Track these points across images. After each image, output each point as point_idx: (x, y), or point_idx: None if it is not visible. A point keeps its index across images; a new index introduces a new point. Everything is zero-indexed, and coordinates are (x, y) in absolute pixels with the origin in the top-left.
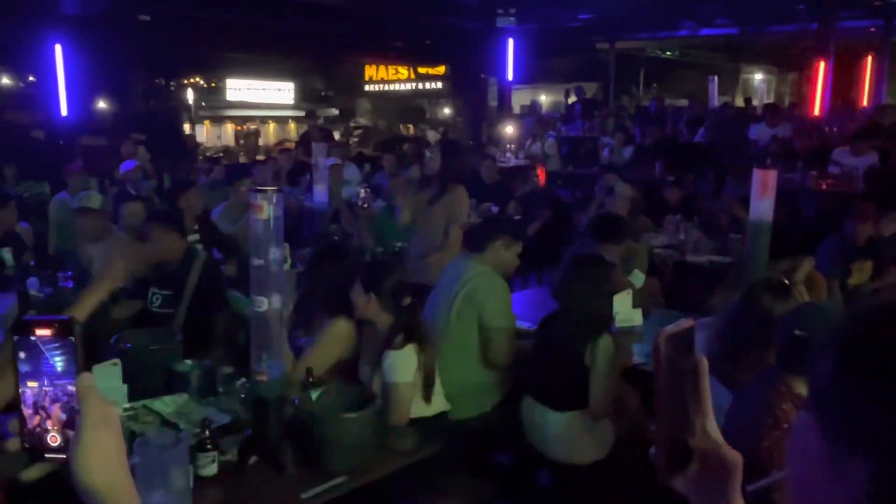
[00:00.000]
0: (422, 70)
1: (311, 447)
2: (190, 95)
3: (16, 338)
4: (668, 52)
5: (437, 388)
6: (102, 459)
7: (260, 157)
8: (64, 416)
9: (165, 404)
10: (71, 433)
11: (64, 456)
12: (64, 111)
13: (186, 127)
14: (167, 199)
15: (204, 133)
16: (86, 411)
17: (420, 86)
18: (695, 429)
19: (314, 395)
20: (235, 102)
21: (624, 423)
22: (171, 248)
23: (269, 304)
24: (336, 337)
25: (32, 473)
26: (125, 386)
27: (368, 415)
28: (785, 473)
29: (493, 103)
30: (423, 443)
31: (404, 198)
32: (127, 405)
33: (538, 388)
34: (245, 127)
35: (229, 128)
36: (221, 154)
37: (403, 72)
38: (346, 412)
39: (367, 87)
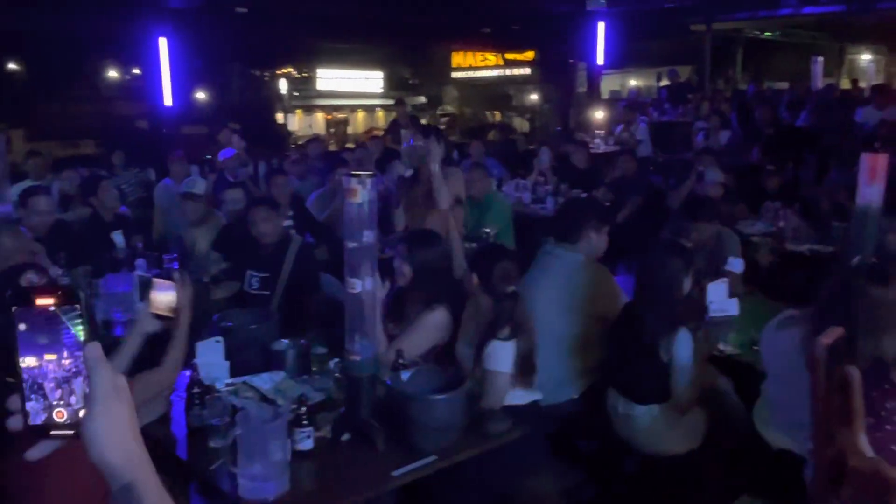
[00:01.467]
0: (509, 56)
1: (402, 427)
2: (283, 85)
3: (14, 308)
4: (767, 33)
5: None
6: (115, 431)
7: (349, 146)
8: (72, 389)
9: (264, 381)
10: (78, 407)
11: (72, 431)
12: (168, 102)
13: (279, 116)
14: (262, 186)
15: (296, 122)
16: (96, 383)
17: (507, 72)
18: (852, 447)
19: (405, 375)
20: (326, 92)
21: (716, 413)
22: (272, 230)
23: (363, 285)
24: (434, 327)
25: (35, 453)
26: (227, 363)
27: (458, 396)
28: None
29: (582, 89)
30: (512, 427)
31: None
32: (228, 380)
33: (619, 380)
34: (334, 115)
35: (320, 117)
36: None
37: (491, 58)
38: (436, 393)
39: (454, 75)
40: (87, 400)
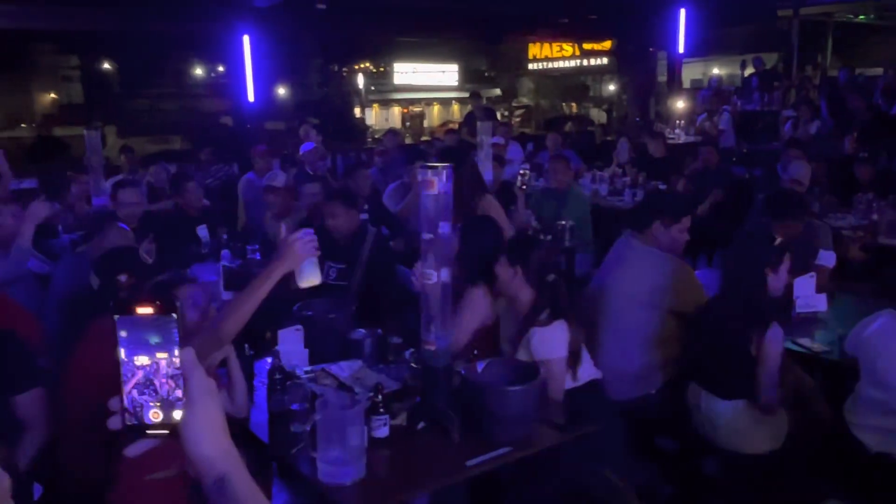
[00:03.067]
0: (587, 46)
1: (477, 417)
2: (360, 80)
3: (117, 317)
4: (860, 17)
5: (586, 358)
6: (211, 429)
7: (425, 139)
8: (165, 393)
9: (341, 369)
10: (175, 407)
11: (167, 431)
12: (251, 98)
13: (357, 111)
14: (341, 179)
15: (373, 116)
16: (192, 385)
17: (584, 62)
18: None
19: (480, 366)
20: (402, 86)
21: (801, 414)
22: (346, 223)
23: (438, 276)
24: (478, 302)
25: (135, 450)
26: (306, 350)
27: (532, 388)
28: None
29: (662, 78)
30: (586, 420)
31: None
32: (308, 368)
33: (704, 374)
34: (410, 109)
35: (396, 110)
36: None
37: (568, 48)
38: (510, 385)
39: (530, 66)
40: (186, 400)
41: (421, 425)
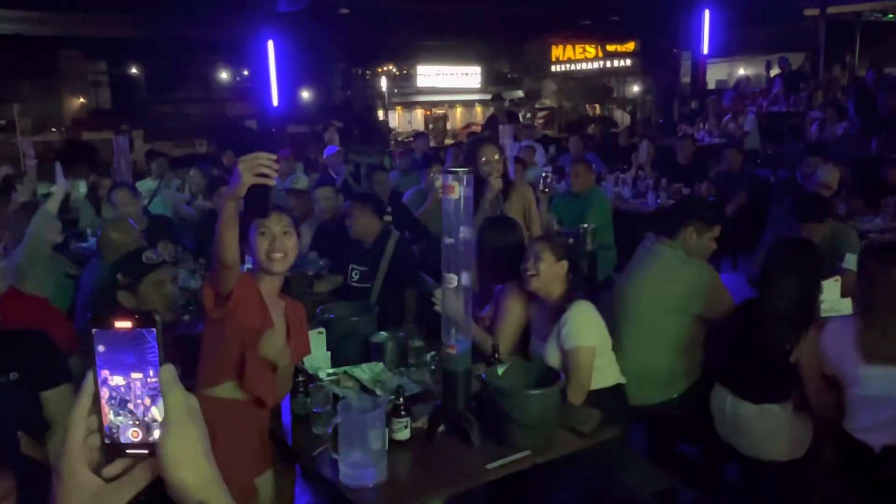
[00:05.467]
0: (610, 48)
1: (497, 420)
2: (383, 83)
3: (94, 330)
4: (889, 16)
5: (612, 360)
6: (189, 452)
7: (449, 141)
8: (145, 411)
9: (363, 371)
10: (153, 427)
11: (146, 451)
12: (275, 102)
13: (380, 113)
14: (364, 183)
15: (396, 119)
16: (170, 404)
17: (608, 64)
18: None
19: (500, 370)
20: (425, 88)
21: (822, 421)
22: (368, 226)
23: (459, 280)
24: (516, 302)
25: (112, 470)
26: (328, 353)
27: (553, 392)
28: None
29: (686, 79)
30: (607, 425)
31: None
32: (330, 370)
33: (733, 378)
34: (433, 111)
35: (419, 113)
36: (411, 139)
37: (591, 50)
38: (530, 389)
39: (553, 68)
40: (162, 421)
41: (441, 428)
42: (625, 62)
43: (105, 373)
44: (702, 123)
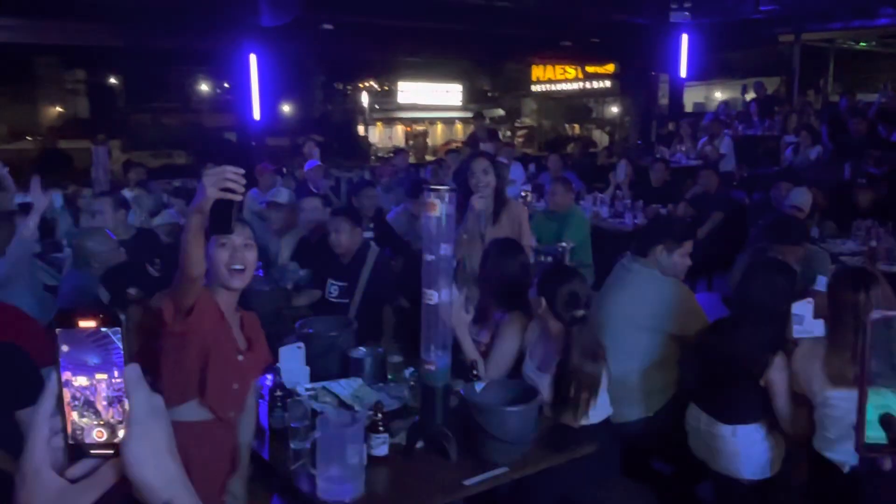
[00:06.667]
0: (590, 69)
1: (475, 437)
2: (364, 98)
3: (58, 330)
4: (861, 44)
5: (603, 394)
6: (153, 451)
7: (429, 157)
8: (111, 411)
9: (342, 387)
10: (118, 427)
11: (111, 451)
12: (256, 115)
13: (360, 129)
14: (343, 197)
15: (376, 134)
16: (134, 404)
17: (587, 85)
18: None
19: (478, 387)
20: (406, 105)
21: (794, 441)
22: (349, 241)
23: (439, 296)
24: (516, 332)
25: (76, 471)
26: (307, 368)
27: (531, 409)
28: None
29: (664, 101)
30: (583, 442)
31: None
32: (308, 385)
33: (706, 398)
34: (413, 128)
35: (399, 129)
36: (392, 154)
37: (571, 71)
38: (508, 405)
39: (533, 87)
40: (126, 421)
41: (420, 444)
42: (604, 83)
43: (68, 374)
44: (678, 145)
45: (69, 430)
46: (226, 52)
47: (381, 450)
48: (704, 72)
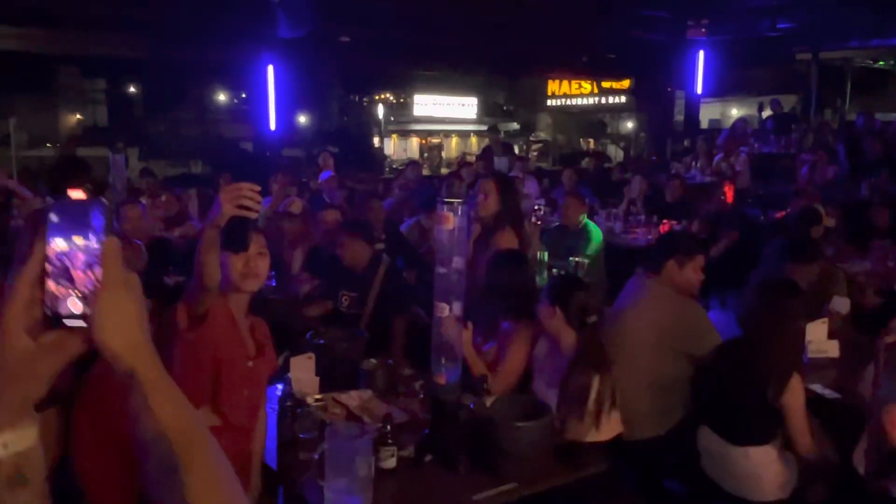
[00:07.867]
0: (605, 84)
1: (485, 451)
2: (380, 111)
3: (49, 199)
4: (879, 62)
5: (613, 411)
6: (121, 321)
7: (444, 170)
8: (86, 276)
9: (351, 398)
10: (92, 300)
11: (83, 323)
12: (272, 126)
13: (375, 140)
14: (356, 209)
15: (391, 146)
16: (106, 273)
17: (603, 100)
18: None
19: (489, 401)
20: (422, 117)
21: (810, 461)
22: (359, 253)
23: (451, 309)
24: (524, 341)
25: (49, 338)
26: (317, 378)
27: (542, 425)
28: None
29: (680, 117)
30: (595, 460)
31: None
32: (318, 396)
33: (718, 418)
34: (428, 140)
35: (414, 141)
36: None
37: (587, 86)
38: (518, 421)
39: (549, 102)
40: (98, 288)
41: (428, 458)
42: (620, 99)
43: (53, 243)
44: (693, 162)
45: (46, 299)
46: (243, 63)
47: (390, 462)
48: (720, 88)
